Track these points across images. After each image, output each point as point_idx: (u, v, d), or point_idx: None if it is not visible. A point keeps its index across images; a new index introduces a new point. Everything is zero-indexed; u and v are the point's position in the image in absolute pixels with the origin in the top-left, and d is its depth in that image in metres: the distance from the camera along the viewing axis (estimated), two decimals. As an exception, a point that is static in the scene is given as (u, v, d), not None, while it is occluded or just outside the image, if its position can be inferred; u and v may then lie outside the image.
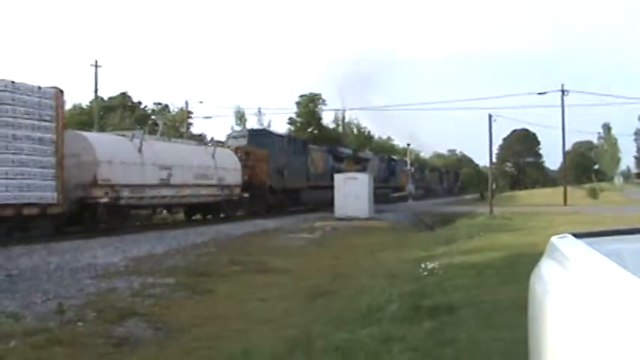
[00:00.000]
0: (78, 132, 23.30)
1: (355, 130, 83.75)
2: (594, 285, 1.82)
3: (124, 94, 64.16)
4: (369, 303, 8.90)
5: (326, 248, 19.29)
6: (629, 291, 1.64)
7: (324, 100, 79.61)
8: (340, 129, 79.81)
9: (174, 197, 25.29)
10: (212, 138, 46.66)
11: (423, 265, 12.07)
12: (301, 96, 79.09)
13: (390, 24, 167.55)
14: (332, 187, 32.88)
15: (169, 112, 67.72)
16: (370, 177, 34.34)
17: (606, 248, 2.37)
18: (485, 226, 23.46)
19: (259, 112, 72.62)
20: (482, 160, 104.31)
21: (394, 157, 62.42)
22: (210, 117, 58.77)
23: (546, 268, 2.37)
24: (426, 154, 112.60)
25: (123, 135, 24.23)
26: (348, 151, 49.18)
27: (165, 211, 28.98)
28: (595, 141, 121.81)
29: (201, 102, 60.87)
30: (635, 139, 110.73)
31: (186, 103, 59.77)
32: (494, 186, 39.78)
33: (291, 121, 77.82)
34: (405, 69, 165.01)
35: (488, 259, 13.10)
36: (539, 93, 50.54)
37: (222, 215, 28.84)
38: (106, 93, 61.23)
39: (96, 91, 48.19)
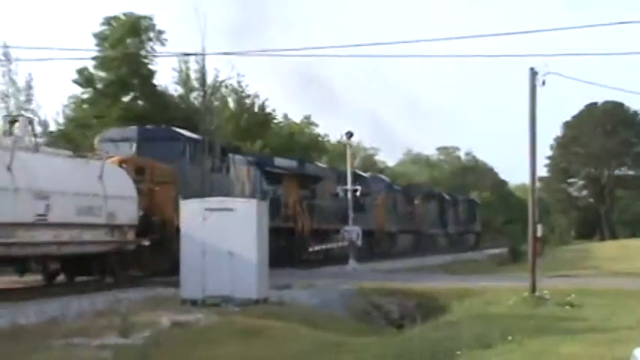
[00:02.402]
0: None
1: (232, 103, 51.75)
2: None
3: None
4: None
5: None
6: None
7: (160, 33, 44.79)
8: (197, 100, 43.18)
9: (50, 244, 20.35)
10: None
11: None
12: (108, 19, 44.58)
13: None
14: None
15: None
16: (261, 207, 20.87)
17: None
18: (522, 322, 17.29)
19: (6, 53, 39.54)
20: (518, 172, 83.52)
21: (362, 172, 45.66)
22: None
23: None
24: (389, 158, 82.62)
25: None
26: (288, 163, 36.60)
27: None
28: None
29: None
30: None
31: None
32: (540, 230, 25.65)
33: (84, 78, 44.11)
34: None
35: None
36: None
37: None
38: None
39: None
